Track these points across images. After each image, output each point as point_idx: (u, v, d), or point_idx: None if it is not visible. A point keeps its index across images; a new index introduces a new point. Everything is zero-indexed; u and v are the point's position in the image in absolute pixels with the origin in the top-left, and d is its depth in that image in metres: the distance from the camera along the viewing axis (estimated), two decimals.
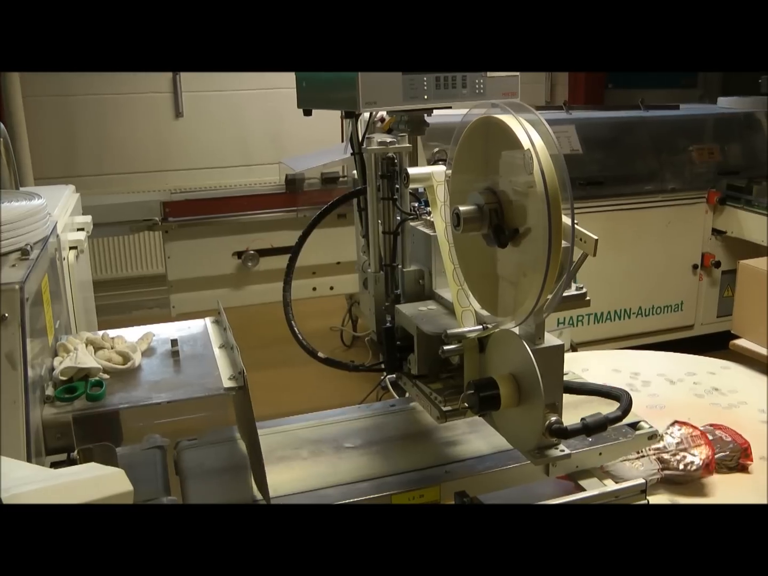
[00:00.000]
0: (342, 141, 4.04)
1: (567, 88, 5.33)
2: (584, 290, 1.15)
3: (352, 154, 1.58)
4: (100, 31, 0.98)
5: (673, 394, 2.01)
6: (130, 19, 0.98)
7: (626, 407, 1.15)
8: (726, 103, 4.04)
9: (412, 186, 1.26)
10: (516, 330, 1.09)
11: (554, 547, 0.82)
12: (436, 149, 2.93)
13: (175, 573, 0.75)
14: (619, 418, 1.13)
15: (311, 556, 0.79)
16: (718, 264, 3.65)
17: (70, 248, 1.79)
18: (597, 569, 0.80)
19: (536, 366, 1.03)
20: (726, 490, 1.49)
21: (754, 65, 1.04)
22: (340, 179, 3.43)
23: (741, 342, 2.21)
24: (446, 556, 0.81)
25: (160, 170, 4.85)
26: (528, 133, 0.94)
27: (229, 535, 0.79)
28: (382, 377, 1.66)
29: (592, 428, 1.07)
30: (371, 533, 0.82)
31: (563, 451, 1.10)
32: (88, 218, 2.08)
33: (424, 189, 1.30)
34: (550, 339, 1.10)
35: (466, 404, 1.11)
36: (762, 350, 2.14)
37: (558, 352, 1.09)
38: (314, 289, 3.39)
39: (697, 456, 1.49)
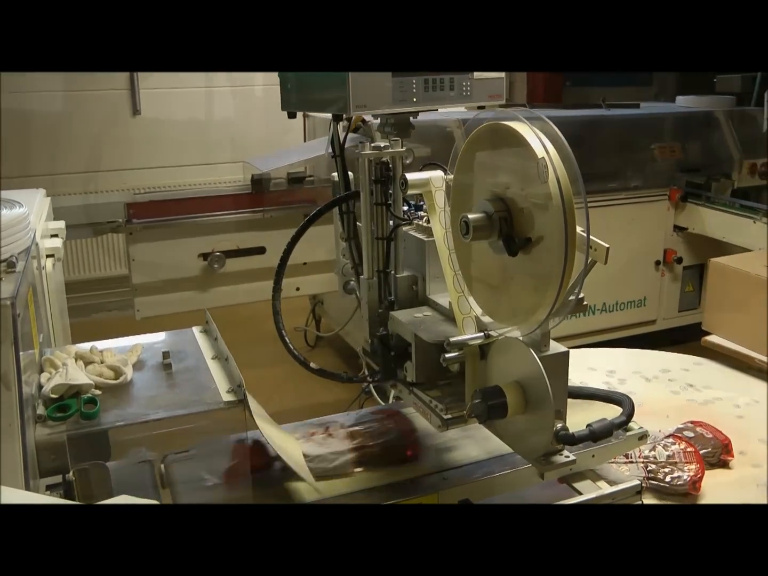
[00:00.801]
0: (305, 140, 3.98)
1: (525, 85, 5.36)
2: (581, 296, 1.15)
3: (332, 156, 1.55)
4: (60, 30, 0.93)
5: (649, 392, 2.04)
6: (100, 17, 0.93)
7: (630, 412, 1.16)
8: (684, 102, 4.12)
9: (410, 192, 1.24)
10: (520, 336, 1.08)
11: (550, 547, 0.81)
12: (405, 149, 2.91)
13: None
14: (624, 423, 1.13)
15: (308, 556, 0.77)
16: (680, 260, 3.72)
17: (47, 256, 1.72)
18: (592, 568, 0.80)
19: (544, 374, 1.02)
20: (708, 486, 1.52)
21: (713, 65, 1.05)
22: (306, 179, 3.39)
23: (713, 338, 2.25)
24: (448, 557, 0.80)
25: (117, 169, 4.73)
26: (542, 140, 0.93)
27: (221, 537, 0.76)
28: (366, 383, 1.63)
29: (598, 434, 1.07)
30: (367, 533, 0.80)
31: (568, 457, 1.10)
32: (62, 224, 2.00)
33: (418, 194, 1.28)
34: (555, 345, 1.09)
35: (473, 413, 1.10)
36: (734, 346, 2.18)
37: (563, 358, 1.08)
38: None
39: (686, 473, 1.48)
